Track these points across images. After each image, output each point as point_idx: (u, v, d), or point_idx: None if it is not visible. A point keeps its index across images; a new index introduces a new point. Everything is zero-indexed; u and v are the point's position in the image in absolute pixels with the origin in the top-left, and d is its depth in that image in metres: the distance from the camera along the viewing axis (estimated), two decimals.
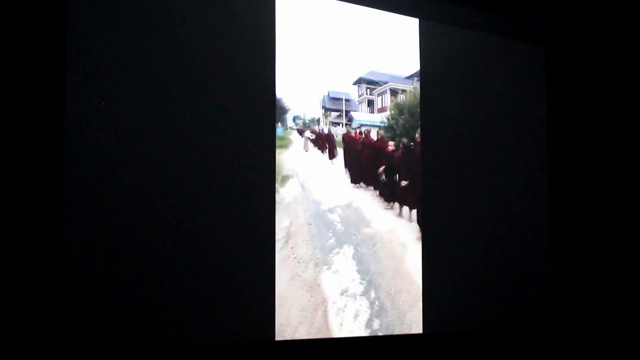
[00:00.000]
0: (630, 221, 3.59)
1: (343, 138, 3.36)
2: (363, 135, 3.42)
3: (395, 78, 3.50)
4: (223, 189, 2.82)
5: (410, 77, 3.52)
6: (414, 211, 3.47)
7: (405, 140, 3.47)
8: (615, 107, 3.70)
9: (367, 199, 3.37)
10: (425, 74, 3.49)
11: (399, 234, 3.41)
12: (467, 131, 3.61)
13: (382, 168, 3.43)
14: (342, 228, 3.25)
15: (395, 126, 3.48)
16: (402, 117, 3.50)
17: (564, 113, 3.89)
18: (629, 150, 3.62)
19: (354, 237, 3.27)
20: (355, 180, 3.36)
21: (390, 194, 3.43)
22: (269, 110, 2.98)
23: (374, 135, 3.44)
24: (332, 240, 3.21)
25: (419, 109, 3.49)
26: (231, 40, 2.89)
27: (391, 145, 3.46)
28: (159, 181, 2.67)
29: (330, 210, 3.24)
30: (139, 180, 2.63)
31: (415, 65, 3.53)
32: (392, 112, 3.48)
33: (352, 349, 3.13)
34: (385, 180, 3.42)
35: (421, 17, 3.50)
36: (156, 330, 2.61)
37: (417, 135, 3.50)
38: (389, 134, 3.46)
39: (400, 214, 3.45)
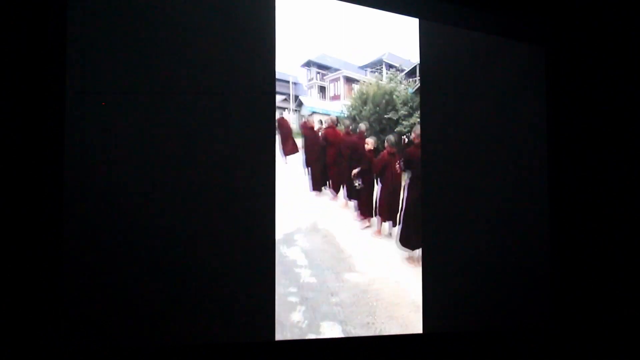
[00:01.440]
0: (630, 221, 3.59)
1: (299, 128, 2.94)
2: (324, 126, 2.91)
3: (348, 65, 3.18)
4: (223, 188, 2.82)
5: (364, 67, 3.25)
6: (394, 226, 3.05)
7: (392, 138, 3.14)
8: (615, 107, 3.70)
9: (335, 213, 2.64)
10: (425, 74, 3.48)
11: (406, 285, 2.58)
12: (467, 131, 3.61)
13: (355, 171, 2.95)
14: (313, 279, 2.26)
15: (357, 117, 3.13)
16: (365, 107, 3.15)
17: (564, 113, 3.89)
18: (629, 150, 3.62)
19: (331, 298, 2.20)
20: (317, 185, 2.78)
21: (367, 207, 2.92)
22: (268, 110, 2.98)
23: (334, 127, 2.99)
24: (298, 315, 2.01)
25: (384, 101, 3.23)
26: (231, 39, 2.88)
27: (369, 144, 3.03)
28: (159, 181, 2.67)
29: (287, 241, 2.39)
30: (139, 180, 2.62)
31: (370, 55, 3.25)
32: (354, 102, 3.15)
33: (352, 349, 3.12)
34: (360, 186, 2.93)
35: (421, 17, 3.49)
36: (156, 330, 2.61)
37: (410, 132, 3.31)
38: (357, 126, 3.08)
39: (392, 236, 2.95)
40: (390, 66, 3.36)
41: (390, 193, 3.07)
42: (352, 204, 2.87)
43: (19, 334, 2.36)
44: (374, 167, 3.06)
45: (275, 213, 2.95)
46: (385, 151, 3.10)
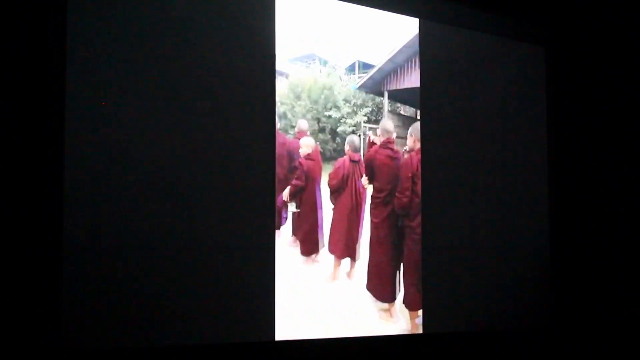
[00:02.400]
0: (630, 221, 3.58)
1: None
2: None
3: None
4: (223, 188, 2.82)
5: (294, 60, 2.89)
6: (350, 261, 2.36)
7: (355, 140, 2.62)
8: (615, 107, 3.70)
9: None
10: (426, 74, 3.48)
11: None
12: (467, 131, 3.61)
13: (286, 192, 2.20)
14: None
15: (290, 114, 2.69)
16: (299, 102, 2.71)
17: (564, 113, 3.89)
18: (629, 150, 3.62)
19: None
20: None
21: (311, 239, 2.22)
22: (268, 109, 2.98)
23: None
24: None
25: (322, 96, 2.82)
26: (231, 40, 2.88)
27: (306, 147, 2.39)
28: (159, 181, 2.67)
29: None
30: (139, 180, 2.62)
31: (302, 48, 2.91)
32: (283, 96, 2.75)
33: (352, 349, 3.12)
34: (297, 211, 2.25)
35: (421, 17, 3.49)
36: (156, 330, 2.61)
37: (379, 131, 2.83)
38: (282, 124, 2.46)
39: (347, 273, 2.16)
40: (324, 62, 2.98)
41: (349, 217, 2.35)
42: (288, 233, 2.07)
43: (19, 334, 2.36)
44: (330, 180, 2.30)
45: (275, 213, 2.95)
46: (346, 158, 2.46)
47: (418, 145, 2.99)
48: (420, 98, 3.46)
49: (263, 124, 2.95)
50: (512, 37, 3.80)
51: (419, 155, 3.31)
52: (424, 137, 3.45)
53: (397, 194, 2.87)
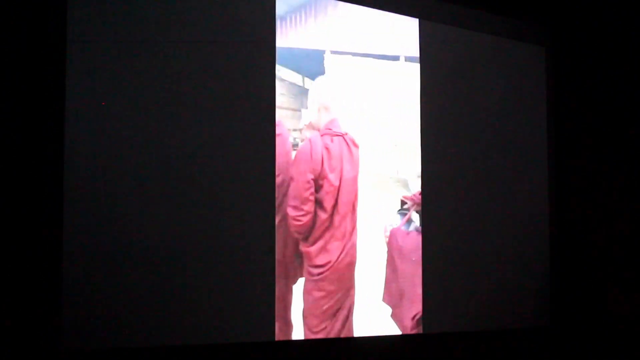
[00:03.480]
0: (630, 221, 3.58)
1: None
2: None
3: None
4: (223, 188, 2.82)
5: None
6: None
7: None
8: (615, 107, 3.70)
9: None
10: (426, 74, 3.48)
11: None
12: (467, 131, 3.61)
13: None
14: None
15: None
16: None
17: (564, 113, 3.89)
18: (629, 150, 3.62)
19: None
20: None
21: None
22: (268, 108, 2.98)
23: None
24: None
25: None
26: (231, 39, 2.88)
27: None
28: (159, 181, 2.67)
29: None
30: (139, 180, 2.62)
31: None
32: None
33: (352, 349, 3.12)
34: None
35: (421, 17, 3.50)
36: (156, 330, 2.61)
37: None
38: None
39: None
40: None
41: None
42: None
43: (19, 334, 2.36)
44: None
45: (275, 212, 2.95)
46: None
47: (327, 117, 1.98)
48: (420, 98, 3.46)
49: (263, 122, 2.95)
50: (512, 37, 3.80)
51: (325, 141, 2.40)
52: (424, 136, 3.45)
53: (288, 210, 2.13)
